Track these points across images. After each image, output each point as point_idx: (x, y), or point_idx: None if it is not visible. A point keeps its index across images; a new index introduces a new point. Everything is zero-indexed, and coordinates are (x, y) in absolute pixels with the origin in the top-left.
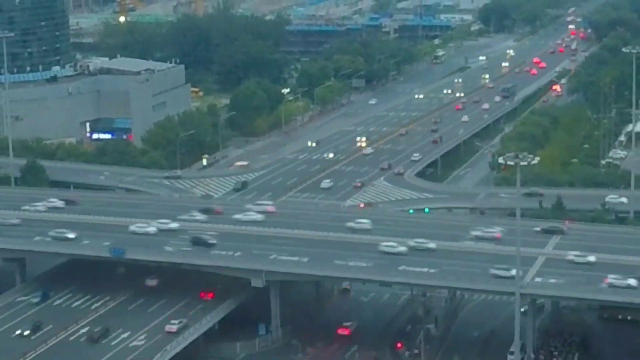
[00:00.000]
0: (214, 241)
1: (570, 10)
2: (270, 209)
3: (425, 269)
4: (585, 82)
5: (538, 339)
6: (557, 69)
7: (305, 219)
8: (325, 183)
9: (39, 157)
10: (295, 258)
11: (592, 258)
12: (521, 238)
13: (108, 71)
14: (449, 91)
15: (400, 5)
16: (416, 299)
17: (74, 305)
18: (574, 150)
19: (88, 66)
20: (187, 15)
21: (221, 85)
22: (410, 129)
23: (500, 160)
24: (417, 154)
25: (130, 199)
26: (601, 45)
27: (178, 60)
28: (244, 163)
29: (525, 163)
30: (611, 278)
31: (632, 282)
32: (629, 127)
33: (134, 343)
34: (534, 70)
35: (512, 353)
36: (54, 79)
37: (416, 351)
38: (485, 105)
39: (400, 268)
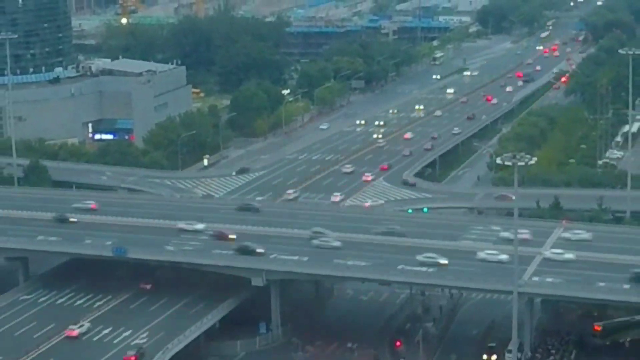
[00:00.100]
0: (262, 250)
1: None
2: (93, 206)
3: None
4: (582, 83)
5: (535, 337)
6: (555, 70)
7: (305, 218)
8: (346, 168)
9: (41, 157)
10: (295, 257)
11: (503, 256)
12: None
13: (110, 72)
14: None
15: (399, 7)
16: (415, 297)
17: (76, 303)
18: (571, 150)
19: (90, 67)
20: (188, 17)
21: (222, 86)
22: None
23: (498, 160)
24: (457, 128)
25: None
26: (598, 47)
27: (179, 62)
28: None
29: (523, 163)
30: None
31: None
32: (626, 128)
33: (136, 341)
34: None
35: (510, 351)
36: (56, 80)
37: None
38: (509, 89)
39: (399, 267)
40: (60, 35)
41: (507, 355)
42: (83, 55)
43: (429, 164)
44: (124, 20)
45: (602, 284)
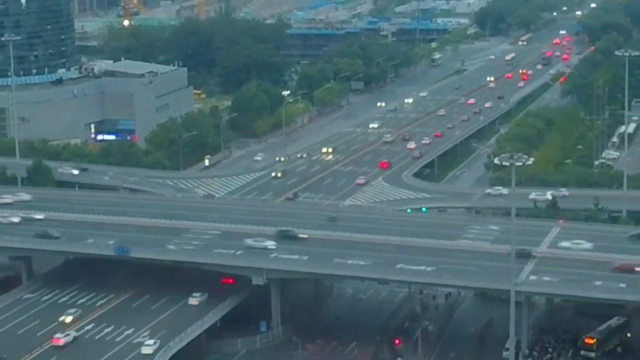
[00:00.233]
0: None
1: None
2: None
3: (423, 267)
4: (579, 85)
5: (532, 336)
6: (552, 71)
7: (305, 218)
8: (387, 137)
9: (45, 157)
10: (296, 256)
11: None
12: (515, 237)
13: (112, 74)
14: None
15: (398, 9)
16: (414, 296)
17: (79, 302)
18: (567, 151)
19: (93, 69)
20: (189, 19)
21: (223, 87)
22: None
23: (496, 160)
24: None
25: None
26: (595, 49)
27: (181, 63)
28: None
29: (520, 164)
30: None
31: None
32: (622, 129)
33: (138, 339)
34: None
35: (507, 349)
36: (59, 82)
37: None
38: (530, 71)
39: (398, 266)
40: (63, 37)
41: (504, 353)
42: (86, 57)
43: (427, 164)
44: (126, 22)
45: (598, 282)
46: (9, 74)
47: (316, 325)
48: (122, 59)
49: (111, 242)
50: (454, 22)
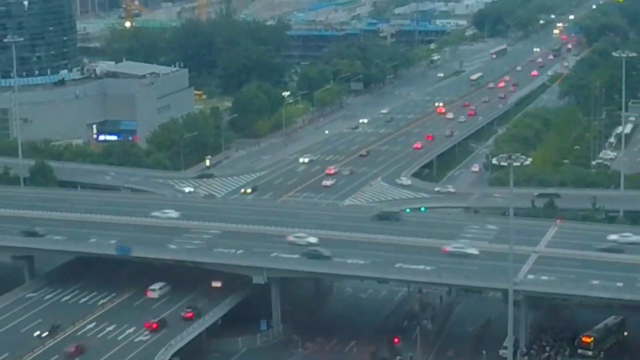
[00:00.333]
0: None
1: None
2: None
3: (422, 266)
4: (577, 86)
5: (530, 334)
6: (549, 72)
7: (305, 218)
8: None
9: (47, 158)
10: (296, 256)
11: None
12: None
13: (114, 75)
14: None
15: (397, 11)
16: (413, 295)
17: (81, 301)
18: (565, 151)
19: (95, 70)
20: (190, 21)
21: (224, 88)
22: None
23: (494, 160)
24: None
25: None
26: (592, 50)
27: (182, 64)
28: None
29: (518, 164)
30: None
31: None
32: (619, 129)
33: (140, 338)
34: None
35: (505, 348)
36: (61, 83)
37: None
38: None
39: (397, 266)
40: (65, 38)
41: (502, 351)
42: (88, 58)
43: (426, 165)
44: (127, 24)
45: (595, 281)
46: (12, 75)
47: (316, 323)
48: (124, 60)
49: (113, 241)
50: (452, 24)
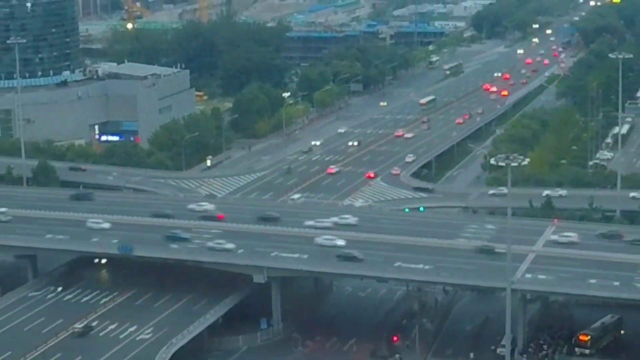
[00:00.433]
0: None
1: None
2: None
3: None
4: (574, 87)
5: (528, 333)
6: (547, 74)
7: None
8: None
9: (49, 158)
10: (296, 255)
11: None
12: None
13: (116, 76)
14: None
15: (396, 12)
16: (411, 294)
17: (83, 300)
18: (562, 151)
19: (97, 71)
20: (191, 23)
21: (224, 89)
22: None
23: (492, 161)
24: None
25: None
26: (589, 51)
27: (183, 66)
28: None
29: (516, 164)
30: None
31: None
32: (616, 130)
33: (141, 336)
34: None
35: (503, 346)
36: (64, 84)
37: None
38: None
39: (396, 265)
40: (67, 39)
41: (499, 349)
42: (90, 59)
43: (425, 165)
44: (129, 26)
45: (592, 280)
46: (15, 76)
47: (316, 322)
48: (126, 61)
49: (115, 241)
50: (451, 26)
